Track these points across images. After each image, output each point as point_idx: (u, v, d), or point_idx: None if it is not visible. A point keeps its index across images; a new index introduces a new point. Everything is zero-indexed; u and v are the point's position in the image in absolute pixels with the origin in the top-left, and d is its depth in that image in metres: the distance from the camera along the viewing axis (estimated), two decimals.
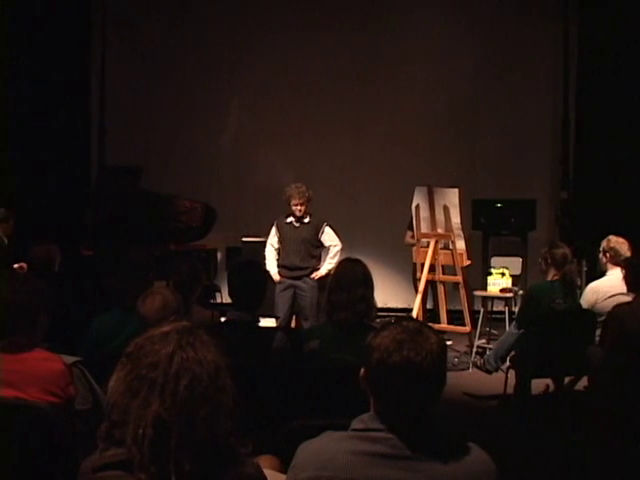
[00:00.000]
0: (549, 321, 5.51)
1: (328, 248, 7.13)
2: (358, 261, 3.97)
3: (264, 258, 7.06)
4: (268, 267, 6.82)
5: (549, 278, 5.69)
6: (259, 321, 4.17)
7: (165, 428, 1.66)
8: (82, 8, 9.79)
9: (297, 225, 7.01)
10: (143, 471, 1.65)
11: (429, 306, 7.99)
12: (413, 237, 7.68)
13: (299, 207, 6.92)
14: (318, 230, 7.04)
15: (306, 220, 7.02)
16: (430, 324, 2.14)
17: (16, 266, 6.38)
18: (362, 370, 1.92)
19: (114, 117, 10.03)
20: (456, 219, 7.12)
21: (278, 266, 7.05)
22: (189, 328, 1.79)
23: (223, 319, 4.36)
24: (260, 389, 3.36)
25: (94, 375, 3.08)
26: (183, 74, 9.93)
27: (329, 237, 7.08)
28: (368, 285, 3.80)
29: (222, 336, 3.71)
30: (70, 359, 3.08)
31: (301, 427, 2.57)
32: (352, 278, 3.77)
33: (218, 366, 1.76)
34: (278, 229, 7.10)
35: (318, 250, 7.12)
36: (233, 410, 1.77)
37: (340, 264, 4.14)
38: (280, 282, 7.00)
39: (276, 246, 7.12)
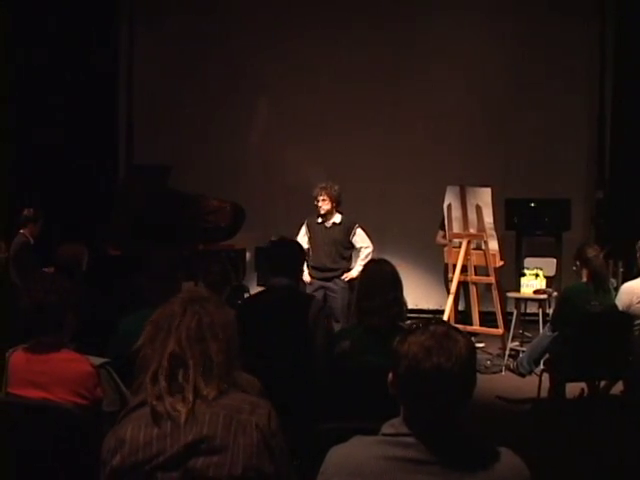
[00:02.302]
0: (584, 323, 5.41)
1: (359, 249, 7.04)
2: (384, 261, 3.88)
3: None
4: None
5: (584, 279, 5.59)
6: (299, 286, 4.46)
7: (181, 363, 1.92)
8: (109, 6, 9.85)
9: (328, 226, 6.94)
10: (160, 402, 1.89)
11: (461, 307, 7.91)
12: (445, 237, 7.60)
13: (321, 204, 6.86)
14: (349, 231, 6.95)
15: (337, 221, 6.94)
16: (462, 326, 2.08)
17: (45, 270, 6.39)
18: (390, 375, 1.88)
19: (142, 116, 10.10)
20: (489, 219, 7.04)
21: (308, 267, 6.99)
22: (201, 295, 2.09)
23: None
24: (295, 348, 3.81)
25: (121, 376, 3.06)
26: (211, 72, 9.94)
27: (360, 238, 6.99)
28: (397, 286, 3.71)
29: (261, 299, 4.13)
30: (98, 360, 3.06)
31: (330, 430, 2.57)
32: (382, 282, 3.67)
33: (227, 319, 2.04)
34: (309, 229, 7.04)
35: (349, 251, 7.03)
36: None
37: (367, 268, 4.00)
38: (310, 283, 6.94)
39: (306, 246, 7.03)
